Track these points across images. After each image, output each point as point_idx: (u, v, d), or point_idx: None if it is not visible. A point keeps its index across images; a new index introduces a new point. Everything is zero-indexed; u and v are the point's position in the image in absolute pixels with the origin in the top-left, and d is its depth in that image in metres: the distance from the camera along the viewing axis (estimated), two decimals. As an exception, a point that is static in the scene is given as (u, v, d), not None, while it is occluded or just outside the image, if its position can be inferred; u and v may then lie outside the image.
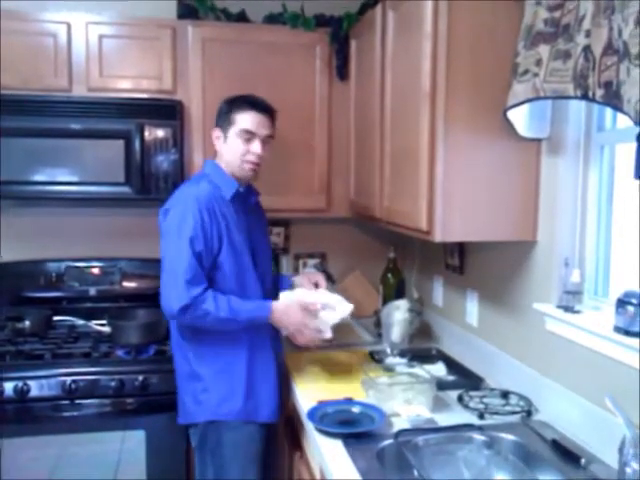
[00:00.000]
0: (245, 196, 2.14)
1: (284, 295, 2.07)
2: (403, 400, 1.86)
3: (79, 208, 2.89)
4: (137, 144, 2.50)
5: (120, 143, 2.50)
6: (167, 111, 2.54)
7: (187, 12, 2.71)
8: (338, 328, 2.91)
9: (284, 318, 2.01)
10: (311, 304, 2.05)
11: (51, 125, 2.46)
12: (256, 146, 2.04)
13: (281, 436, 2.48)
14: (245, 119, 2.04)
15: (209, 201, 1.96)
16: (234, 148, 2.05)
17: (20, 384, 2.24)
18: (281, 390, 2.17)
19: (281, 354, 2.24)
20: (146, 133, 2.51)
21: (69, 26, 2.52)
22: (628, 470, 1.36)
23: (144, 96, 2.59)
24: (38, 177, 2.48)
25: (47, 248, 2.84)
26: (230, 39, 2.67)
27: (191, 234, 1.90)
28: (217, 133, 2.09)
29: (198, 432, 2.05)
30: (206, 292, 1.90)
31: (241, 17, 2.79)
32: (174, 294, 1.89)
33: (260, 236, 2.20)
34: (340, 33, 2.71)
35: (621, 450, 1.37)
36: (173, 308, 1.89)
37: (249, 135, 2.04)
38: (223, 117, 2.08)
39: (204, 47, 2.64)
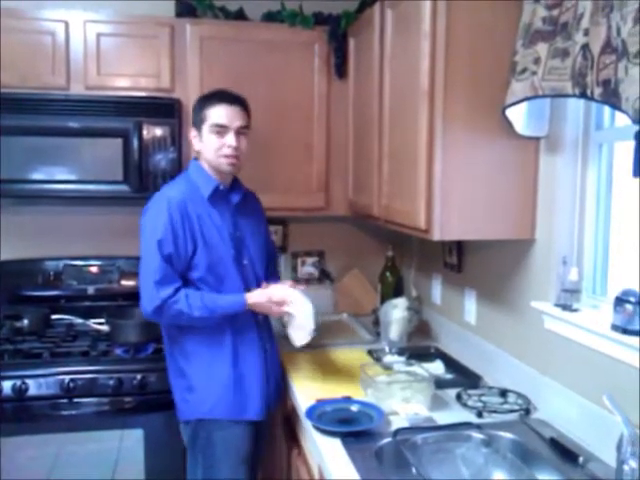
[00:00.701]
0: (227, 194, 2.11)
1: None
2: (401, 398, 1.86)
3: (77, 207, 2.89)
4: (135, 142, 2.50)
5: (118, 141, 2.50)
6: (165, 109, 2.54)
7: (185, 10, 2.70)
8: (336, 327, 2.92)
9: (261, 299, 2.02)
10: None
11: (49, 123, 2.45)
12: (230, 138, 2.01)
13: (279, 434, 2.48)
14: (215, 113, 2.01)
15: (182, 202, 1.96)
16: (209, 144, 2.03)
17: (18, 383, 2.24)
18: (270, 388, 2.15)
19: (272, 352, 2.20)
20: (144, 131, 2.51)
21: (67, 24, 2.52)
22: (626, 468, 1.36)
23: (142, 94, 2.58)
24: (36, 175, 2.47)
25: (45, 246, 2.84)
26: (228, 37, 2.67)
27: (160, 237, 1.92)
28: (193, 133, 2.08)
29: (189, 430, 2.05)
30: (178, 292, 1.92)
31: (239, 15, 2.78)
32: (146, 296, 1.93)
33: (251, 234, 2.16)
34: (338, 31, 2.71)
35: (619, 448, 1.38)
36: (147, 309, 1.94)
37: (221, 128, 2.01)
38: (196, 116, 2.07)
39: (202, 45, 2.63)
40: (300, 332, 2.07)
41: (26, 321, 2.62)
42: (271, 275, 2.29)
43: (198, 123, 2.05)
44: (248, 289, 2.06)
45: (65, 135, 2.47)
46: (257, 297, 2.02)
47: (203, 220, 2.00)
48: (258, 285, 2.10)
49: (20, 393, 2.23)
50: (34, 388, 2.26)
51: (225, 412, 2.02)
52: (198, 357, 2.03)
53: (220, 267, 2.02)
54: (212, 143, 2.02)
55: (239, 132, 2.03)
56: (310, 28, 2.71)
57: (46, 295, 2.80)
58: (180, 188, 2.02)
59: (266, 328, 2.18)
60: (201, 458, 2.03)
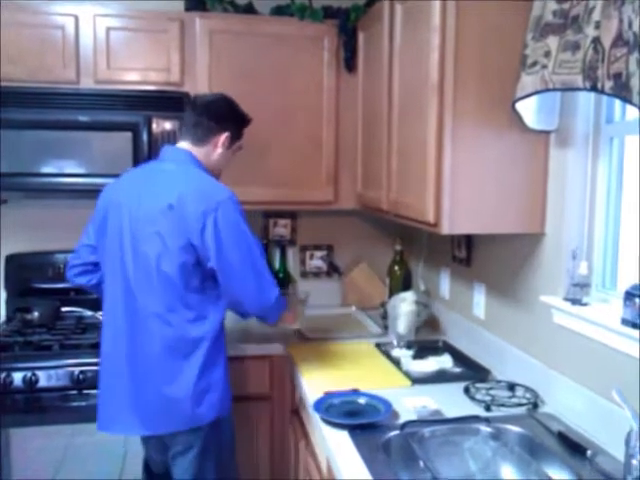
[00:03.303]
0: None
1: None
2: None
3: (86, 200, 2.88)
4: (145, 136, 2.50)
5: (128, 135, 2.51)
6: (175, 103, 2.54)
7: (195, 4, 2.70)
8: (345, 320, 2.93)
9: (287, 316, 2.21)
10: None
11: (59, 117, 2.46)
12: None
13: (288, 427, 2.50)
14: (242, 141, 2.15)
15: None
16: (225, 161, 2.10)
17: (29, 374, 2.26)
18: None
19: None
20: (154, 125, 2.52)
21: (77, 18, 2.53)
22: (634, 462, 1.36)
23: (152, 88, 2.59)
24: (46, 169, 2.49)
25: (55, 240, 2.86)
26: (238, 31, 2.67)
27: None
28: (228, 138, 2.05)
29: (201, 435, 1.95)
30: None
31: (249, 9, 2.78)
32: (268, 285, 1.97)
33: None
34: (348, 25, 2.70)
35: (627, 442, 1.37)
36: (271, 298, 1.98)
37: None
38: (237, 127, 2.10)
39: (212, 39, 2.64)
40: None
41: (36, 313, 2.64)
42: None
43: (235, 136, 2.09)
44: None
45: (75, 129, 2.48)
46: None
47: None
48: None
49: (30, 385, 2.26)
50: (44, 380, 2.28)
51: (230, 400, 2.04)
52: (222, 352, 2.00)
53: None
54: (226, 162, 2.11)
55: None
56: (319, 22, 2.70)
57: (56, 288, 2.81)
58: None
59: None
60: (212, 459, 1.99)
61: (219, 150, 2.04)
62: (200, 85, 2.62)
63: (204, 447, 1.96)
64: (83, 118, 2.48)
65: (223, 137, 2.04)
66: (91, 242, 2.10)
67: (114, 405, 1.96)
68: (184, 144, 2.03)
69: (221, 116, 2.04)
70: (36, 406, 2.28)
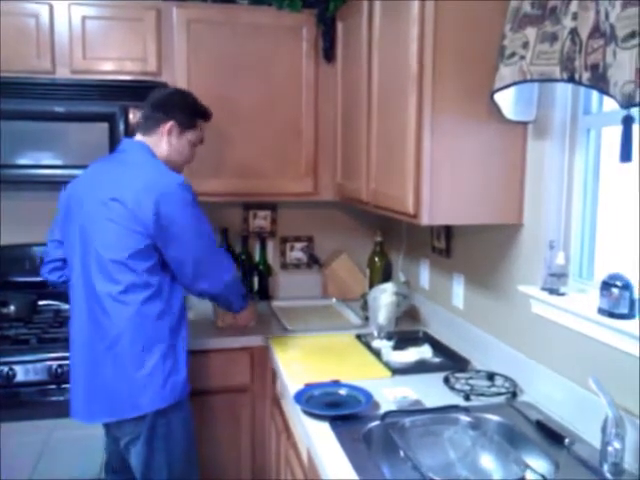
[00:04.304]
0: None
1: None
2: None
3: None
4: (121, 127, 2.47)
5: (104, 126, 2.47)
6: (152, 93, 2.51)
7: (172, -8, 2.67)
8: (325, 311, 2.93)
9: (247, 315, 2.50)
10: None
11: (34, 108, 2.42)
12: (195, 156, 2.18)
13: (268, 419, 2.50)
14: (203, 130, 2.17)
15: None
16: (185, 152, 2.12)
17: (6, 369, 2.23)
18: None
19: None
20: (130, 116, 2.48)
21: (51, 7, 2.48)
22: (610, 449, 1.39)
23: (128, 78, 2.56)
24: (21, 160, 2.45)
25: (32, 232, 2.81)
26: (215, 20, 2.64)
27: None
28: (172, 127, 2.06)
29: (146, 423, 1.93)
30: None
31: (226, -2, 2.75)
32: (225, 266, 2.11)
33: None
34: (327, 15, 2.69)
35: (604, 430, 1.40)
36: (227, 277, 2.11)
37: (198, 145, 2.17)
38: (185, 116, 2.08)
39: (189, 28, 2.61)
40: None
41: (13, 307, 2.61)
42: None
43: (184, 124, 2.08)
44: None
45: (51, 120, 2.44)
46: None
47: None
48: None
49: (8, 379, 2.23)
50: (22, 374, 2.25)
51: (185, 389, 2.02)
52: (177, 342, 2.00)
53: None
54: (187, 153, 2.13)
55: None
56: (298, 11, 2.68)
57: (33, 281, 2.77)
58: (175, 175, 2.01)
59: None
60: (161, 449, 1.97)
61: (165, 138, 2.06)
62: (178, 75, 2.60)
63: (150, 437, 1.95)
64: (59, 109, 2.44)
65: (168, 125, 2.05)
66: (56, 237, 2.15)
67: (74, 392, 2.03)
68: (138, 136, 2.08)
69: (167, 105, 2.08)
70: (14, 401, 2.25)
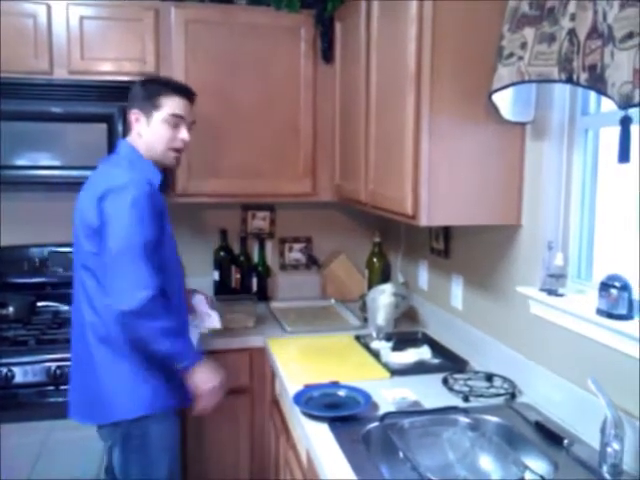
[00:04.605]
0: (162, 185, 2.00)
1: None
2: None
3: (61, 192, 2.85)
4: (120, 127, 2.47)
5: (102, 127, 2.47)
6: (150, 94, 2.50)
7: (170, -7, 2.67)
8: (324, 312, 2.93)
9: (205, 376, 1.91)
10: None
11: (32, 108, 2.42)
12: (184, 132, 1.97)
13: (268, 420, 2.50)
14: (174, 104, 1.95)
15: (152, 194, 1.84)
16: (160, 134, 1.94)
17: (4, 370, 2.23)
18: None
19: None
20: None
21: (49, 7, 2.48)
22: (609, 450, 1.39)
23: (126, 79, 2.54)
24: (19, 161, 2.44)
25: (30, 233, 2.81)
26: (214, 20, 2.64)
27: (146, 234, 1.79)
28: (137, 115, 1.95)
29: (119, 431, 1.89)
30: (155, 299, 1.77)
31: (225, -2, 2.75)
32: (126, 294, 1.76)
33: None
34: (325, 15, 2.69)
35: (603, 431, 1.40)
36: (124, 308, 1.76)
37: (178, 120, 1.95)
38: (145, 99, 1.94)
39: (187, 29, 2.60)
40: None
41: (11, 308, 2.60)
42: None
43: (147, 108, 1.93)
44: (185, 288, 2.09)
45: (48, 120, 2.44)
46: (206, 377, 1.91)
47: (163, 213, 1.90)
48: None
49: (6, 381, 2.23)
50: (20, 375, 2.25)
51: (166, 402, 1.92)
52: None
53: (173, 261, 1.98)
54: (164, 133, 1.94)
55: (189, 127, 2.01)
56: (296, 11, 2.68)
57: (31, 282, 2.78)
58: (138, 175, 1.87)
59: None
60: (135, 459, 1.91)
61: (136, 130, 1.96)
62: (176, 75, 2.58)
63: (124, 447, 1.90)
64: (57, 109, 2.44)
65: (133, 116, 1.96)
66: None
67: (69, 390, 2.04)
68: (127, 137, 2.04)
69: (129, 98, 2.00)
70: (12, 402, 2.25)
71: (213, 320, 2.26)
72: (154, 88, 1.97)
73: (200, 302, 2.26)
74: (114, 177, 1.87)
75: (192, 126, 2.04)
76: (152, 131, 1.94)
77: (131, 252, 1.77)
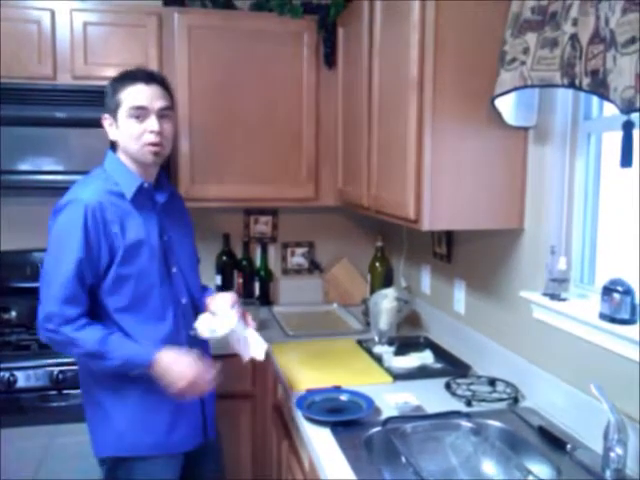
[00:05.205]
0: (152, 193, 1.84)
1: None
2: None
3: (65, 197, 2.86)
4: (123, 133, 2.47)
5: (106, 132, 2.47)
6: (153, 99, 2.51)
7: (173, -1, 2.68)
8: (326, 317, 2.93)
9: (173, 369, 1.71)
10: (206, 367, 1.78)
11: (35, 114, 2.43)
12: (152, 123, 1.74)
13: (270, 424, 2.49)
14: (131, 95, 1.74)
15: (98, 207, 1.71)
16: (128, 131, 1.75)
17: (7, 375, 2.23)
18: (207, 411, 1.95)
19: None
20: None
21: (53, 13, 2.49)
22: (612, 455, 1.38)
23: (130, 84, 2.56)
24: (23, 166, 2.45)
25: (33, 238, 2.81)
26: (216, 26, 2.65)
27: (74, 251, 1.68)
28: (107, 120, 1.80)
29: (105, 468, 1.85)
30: (80, 318, 1.69)
31: (227, 4, 2.76)
32: (45, 313, 1.70)
33: (180, 237, 1.92)
34: (328, 21, 2.70)
35: (606, 436, 1.39)
36: (42, 328, 1.70)
37: (140, 112, 1.74)
38: (110, 99, 1.78)
39: (190, 34, 2.61)
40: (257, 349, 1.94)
41: (14, 313, 2.61)
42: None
43: (113, 108, 1.77)
44: (178, 300, 1.85)
45: (52, 125, 2.45)
46: (169, 364, 1.71)
47: (123, 226, 1.74)
48: (190, 297, 1.89)
49: (9, 385, 2.23)
50: (23, 380, 2.25)
51: (148, 448, 1.80)
52: (112, 382, 1.77)
53: (142, 279, 1.76)
54: (131, 129, 1.75)
55: (161, 115, 1.77)
56: (299, 17, 2.69)
57: (34, 287, 2.75)
58: (95, 187, 1.76)
59: (198, 344, 1.87)
60: None
61: (110, 134, 1.82)
62: (179, 81, 2.60)
63: None
64: (60, 114, 2.45)
65: (104, 122, 1.83)
66: None
67: None
68: None
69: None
70: (15, 407, 2.25)
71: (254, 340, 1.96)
72: (112, 85, 1.80)
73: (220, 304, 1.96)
74: (66, 194, 1.79)
75: (167, 112, 1.80)
76: (121, 131, 1.77)
77: (44, 279, 1.73)
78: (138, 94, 1.75)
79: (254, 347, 1.93)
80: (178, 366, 1.72)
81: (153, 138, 1.75)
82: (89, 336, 1.68)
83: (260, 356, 1.93)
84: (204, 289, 2.06)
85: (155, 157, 1.79)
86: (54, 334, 1.69)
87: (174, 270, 1.86)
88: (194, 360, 1.74)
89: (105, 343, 1.68)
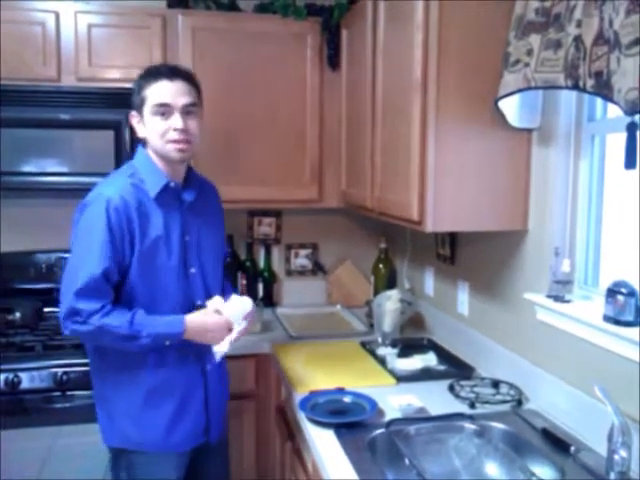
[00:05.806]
0: (179, 191, 1.84)
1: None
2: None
3: (69, 199, 2.86)
4: (127, 134, 2.48)
5: (110, 133, 2.48)
6: (157, 101, 2.52)
7: (177, 1, 2.68)
8: (330, 318, 2.93)
9: (205, 328, 1.78)
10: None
11: (40, 115, 2.44)
12: (175, 120, 1.73)
13: (273, 426, 2.49)
14: (155, 92, 1.73)
15: (121, 205, 1.71)
16: (153, 129, 1.75)
17: (11, 376, 2.23)
18: (212, 413, 1.93)
19: (214, 374, 1.92)
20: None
21: (57, 15, 2.50)
22: (616, 457, 1.38)
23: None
24: (27, 168, 2.46)
25: (37, 239, 2.82)
26: (220, 28, 2.65)
27: (98, 247, 1.68)
28: (135, 117, 1.81)
29: (111, 455, 1.88)
30: (104, 307, 1.69)
31: (232, 6, 2.76)
32: (67, 307, 1.70)
33: (204, 237, 1.90)
34: (331, 22, 2.70)
35: (610, 438, 1.39)
36: (66, 323, 1.72)
37: (163, 109, 1.73)
38: (136, 96, 1.78)
39: (194, 36, 2.62)
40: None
41: (18, 314, 2.61)
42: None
43: (139, 105, 1.78)
44: (194, 302, 1.84)
45: (56, 127, 2.45)
46: (196, 323, 1.77)
47: (143, 223, 1.74)
48: (207, 298, 1.86)
49: (13, 386, 2.23)
50: (27, 381, 2.25)
51: (149, 445, 1.82)
52: (116, 379, 1.81)
53: (157, 278, 1.77)
54: (156, 127, 1.75)
55: (186, 111, 1.76)
56: (303, 19, 2.69)
57: (38, 288, 2.78)
58: (120, 183, 1.77)
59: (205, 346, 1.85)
60: None
61: (138, 131, 1.83)
62: (183, 83, 2.60)
63: (113, 472, 1.89)
64: (64, 116, 2.46)
65: (131, 119, 1.84)
66: None
67: None
68: None
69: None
70: (18, 408, 2.25)
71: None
72: (138, 82, 1.80)
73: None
74: (93, 189, 1.80)
75: (192, 108, 1.78)
76: (147, 128, 1.78)
77: (69, 274, 1.73)
78: (162, 91, 1.74)
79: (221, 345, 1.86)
80: (208, 325, 1.78)
81: (177, 135, 1.75)
82: (117, 320, 1.69)
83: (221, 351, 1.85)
84: (226, 289, 2.03)
85: (180, 154, 1.78)
86: (82, 326, 1.69)
87: (192, 270, 1.85)
88: (215, 314, 1.80)
89: (133, 323, 1.69)
